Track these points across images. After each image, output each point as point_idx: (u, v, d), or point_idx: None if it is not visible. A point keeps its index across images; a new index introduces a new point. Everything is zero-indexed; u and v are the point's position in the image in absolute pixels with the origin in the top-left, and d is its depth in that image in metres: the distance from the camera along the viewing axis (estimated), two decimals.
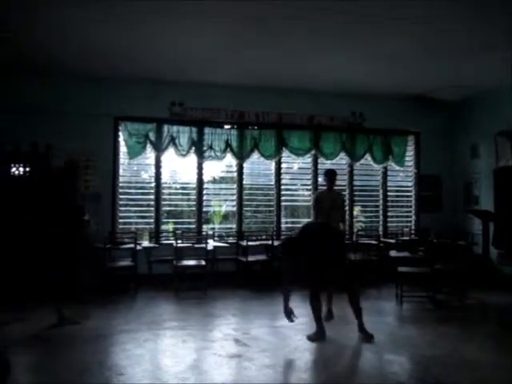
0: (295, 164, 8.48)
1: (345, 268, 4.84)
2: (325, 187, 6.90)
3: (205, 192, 7.90)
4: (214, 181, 8.37)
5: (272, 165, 8.16)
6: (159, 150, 7.53)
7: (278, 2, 4.61)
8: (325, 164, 8.18)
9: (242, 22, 5.16)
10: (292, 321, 4.74)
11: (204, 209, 7.94)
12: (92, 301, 6.03)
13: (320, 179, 8.17)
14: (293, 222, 8.34)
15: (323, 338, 4.66)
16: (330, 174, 6.85)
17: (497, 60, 6.20)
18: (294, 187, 8.47)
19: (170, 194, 7.92)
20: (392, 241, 8.06)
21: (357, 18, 5.00)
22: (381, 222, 8.67)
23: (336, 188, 6.92)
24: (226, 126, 7.89)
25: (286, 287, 4.74)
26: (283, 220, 8.22)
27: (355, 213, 8.65)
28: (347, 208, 8.39)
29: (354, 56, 6.28)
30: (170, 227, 7.94)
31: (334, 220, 6.80)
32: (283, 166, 8.23)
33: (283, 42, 5.79)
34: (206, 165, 7.88)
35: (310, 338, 4.67)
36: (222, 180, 8.40)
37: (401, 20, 5.04)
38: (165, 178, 7.77)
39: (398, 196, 8.93)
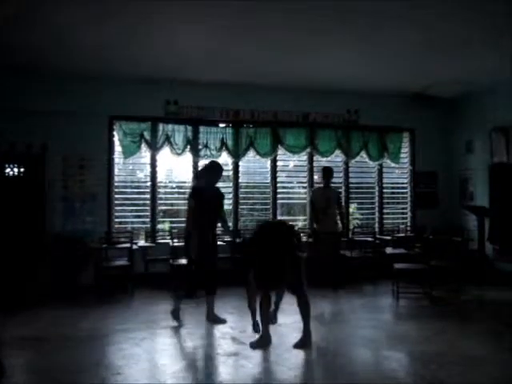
0: (291, 162, 8.47)
1: (297, 269, 4.39)
2: (321, 184, 6.92)
3: None
4: None
5: (268, 163, 8.14)
6: (154, 148, 7.50)
7: (274, 2, 4.60)
8: (320, 161, 8.19)
9: (237, 19, 5.14)
10: (258, 332, 4.57)
11: None
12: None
13: (316, 177, 8.19)
14: (289, 220, 8.33)
15: (268, 344, 4.39)
16: (325, 172, 6.86)
17: (492, 56, 6.22)
18: (289, 185, 8.47)
19: (165, 192, 7.89)
20: (388, 237, 8.08)
21: (353, 16, 5.00)
22: (377, 219, 8.67)
23: (332, 185, 6.94)
24: (221, 125, 7.86)
25: (252, 304, 4.56)
26: (279, 218, 8.20)
27: (351, 210, 8.65)
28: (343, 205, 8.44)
29: (349, 53, 6.27)
30: (166, 226, 7.91)
31: (330, 217, 6.83)
32: (279, 163, 8.22)
33: (278, 40, 5.77)
34: (202, 163, 7.84)
35: (253, 346, 4.37)
36: None
37: (397, 17, 5.04)
38: (160, 177, 7.74)
39: (393, 193, 8.93)
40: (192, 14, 5.01)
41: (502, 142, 7.52)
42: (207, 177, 5.32)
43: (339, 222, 7.11)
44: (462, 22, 5.20)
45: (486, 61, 6.45)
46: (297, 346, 4.36)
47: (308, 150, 8.19)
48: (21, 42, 5.73)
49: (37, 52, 6.16)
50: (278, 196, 8.19)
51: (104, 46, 5.97)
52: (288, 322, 5.00)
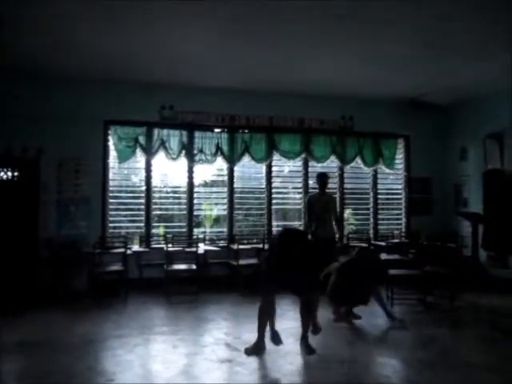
0: (286, 167, 8.48)
1: (312, 276, 4.46)
2: (317, 190, 6.92)
3: (195, 196, 7.87)
4: (205, 184, 8.34)
5: (263, 168, 8.15)
6: (149, 153, 7.49)
7: (270, 6, 4.62)
8: (316, 167, 8.20)
9: (233, 26, 5.16)
10: (280, 343, 4.46)
11: (195, 212, 7.89)
12: None
13: (311, 182, 8.19)
14: (284, 225, 8.33)
15: (262, 351, 4.36)
16: (322, 177, 6.87)
17: (487, 64, 6.27)
18: (284, 190, 8.47)
19: (160, 197, 7.87)
20: (383, 243, 8.08)
21: (348, 22, 5.03)
22: (371, 225, 8.69)
23: (328, 191, 6.95)
24: (217, 130, 7.87)
25: (268, 309, 4.44)
26: (274, 223, 8.21)
27: (346, 215, 8.66)
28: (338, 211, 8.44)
29: (344, 59, 6.31)
30: (161, 231, 7.89)
31: (327, 223, 6.82)
32: (274, 169, 8.23)
33: (274, 46, 5.79)
34: (197, 168, 7.86)
35: (247, 352, 4.35)
36: (213, 183, 8.37)
37: (392, 23, 5.07)
38: (155, 181, 7.72)
39: (388, 199, 8.96)
40: (188, 20, 5.03)
41: (496, 148, 7.57)
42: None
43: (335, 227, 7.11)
44: (457, 31, 5.24)
45: (480, 69, 6.50)
46: (309, 353, 4.32)
47: (303, 155, 8.21)
48: (17, 45, 5.71)
49: (33, 56, 6.15)
50: (273, 201, 8.19)
51: (100, 51, 5.97)
52: (283, 328, 4.98)
